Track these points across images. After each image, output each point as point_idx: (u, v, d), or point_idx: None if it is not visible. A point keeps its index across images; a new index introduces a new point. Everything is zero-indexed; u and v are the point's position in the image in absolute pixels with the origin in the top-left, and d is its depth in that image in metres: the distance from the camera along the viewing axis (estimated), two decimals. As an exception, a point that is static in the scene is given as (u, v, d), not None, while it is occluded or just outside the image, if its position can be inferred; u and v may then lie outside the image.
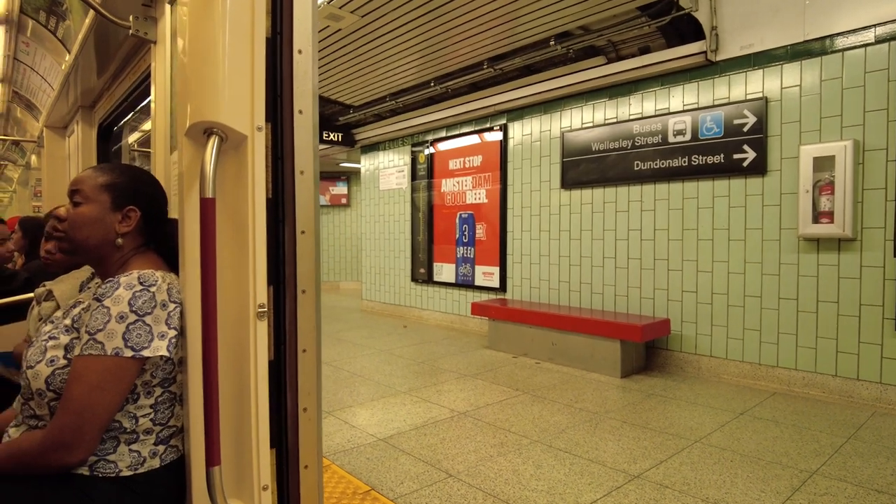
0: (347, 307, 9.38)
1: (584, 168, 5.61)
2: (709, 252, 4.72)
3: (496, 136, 6.63)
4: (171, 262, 1.39)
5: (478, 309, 6.17)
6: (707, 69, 4.69)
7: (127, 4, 2.03)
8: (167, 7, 1.93)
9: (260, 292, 1.26)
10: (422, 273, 7.84)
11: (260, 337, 1.26)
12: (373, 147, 8.72)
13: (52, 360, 1.18)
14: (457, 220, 7.24)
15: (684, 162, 4.82)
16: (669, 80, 4.94)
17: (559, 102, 5.88)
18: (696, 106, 4.75)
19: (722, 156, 4.57)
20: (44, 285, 1.91)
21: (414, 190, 7.94)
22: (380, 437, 3.38)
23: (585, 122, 5.64)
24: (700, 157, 4.72)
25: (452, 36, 5.09)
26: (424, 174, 7.73)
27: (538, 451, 3.16)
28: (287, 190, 1.28)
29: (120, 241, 1.35)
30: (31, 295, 2.13)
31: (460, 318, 7.22)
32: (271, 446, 1.27)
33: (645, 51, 5.07)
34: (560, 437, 3.37)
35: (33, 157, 6.19)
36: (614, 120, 5.37)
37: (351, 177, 12.40)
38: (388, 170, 8.47)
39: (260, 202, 1.26)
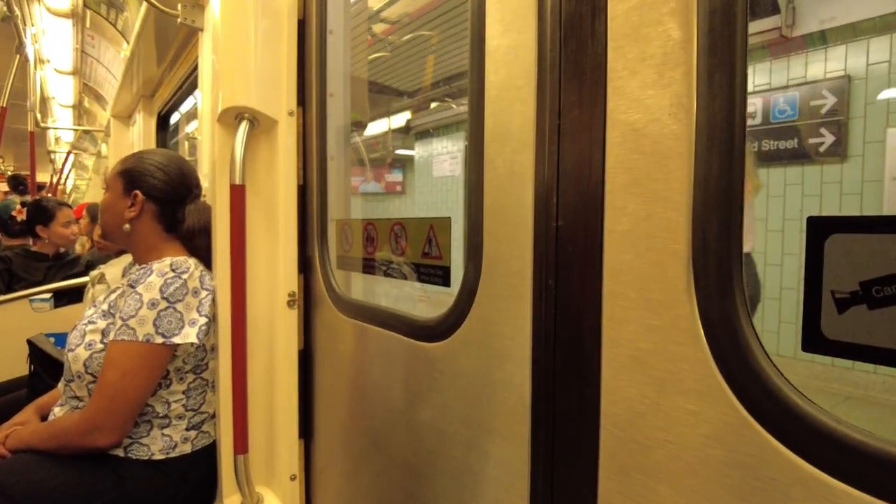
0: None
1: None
2: (778, 244, 4.42)
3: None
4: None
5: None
6: (781, 47, 4.37)
7: (176, -7, 2.05)
8: (212, -6, 1.94)
9: (290, 280, 1.24)
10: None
11: (290, 325, 1.24)
12: (426, 134, 8.70)
13: (90, 344, 1.20)
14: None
15: (754, 147, 4.54)
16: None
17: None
18: (768, 87, 4.43)
19: (796, 140, 4.27)
20: (98, 269, 1.98)
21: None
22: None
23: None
24: (772, 142, 4.42)
25: None
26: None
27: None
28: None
29: (127, 226, 1.30)
30: (88, 279, 2.22)
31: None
32: (300, 437, 1.26)
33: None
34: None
35: (103, 146, 6.55)
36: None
37: (407, 164, 12.40)
38: (441, 156, 8.44)
39: (290, 189, 1.24)
